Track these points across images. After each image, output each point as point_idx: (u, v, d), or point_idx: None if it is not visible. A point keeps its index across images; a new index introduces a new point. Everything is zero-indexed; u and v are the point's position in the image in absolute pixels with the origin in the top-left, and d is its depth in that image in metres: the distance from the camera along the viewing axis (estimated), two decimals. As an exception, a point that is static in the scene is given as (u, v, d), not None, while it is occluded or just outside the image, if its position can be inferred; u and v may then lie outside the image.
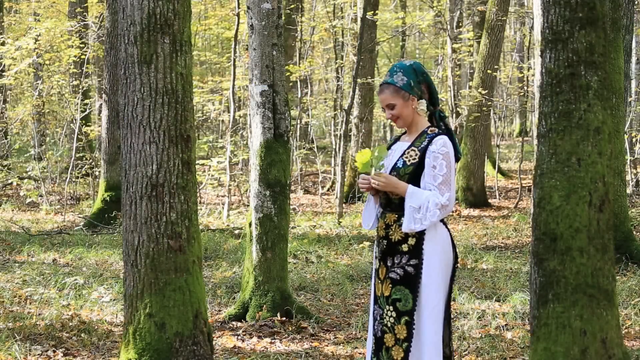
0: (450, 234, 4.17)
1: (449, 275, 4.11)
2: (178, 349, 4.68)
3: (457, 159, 4.13)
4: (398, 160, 4.11)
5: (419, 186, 4.05)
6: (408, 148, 4.12)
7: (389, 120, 4.36)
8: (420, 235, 4.04)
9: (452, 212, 13.62)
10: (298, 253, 9.67)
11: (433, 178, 4.02)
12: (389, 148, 4.25)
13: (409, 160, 4.07)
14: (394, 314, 4.06)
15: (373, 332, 4.17)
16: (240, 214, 13.11)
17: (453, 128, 14.70)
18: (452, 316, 6.62)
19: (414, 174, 4.05)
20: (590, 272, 3.76)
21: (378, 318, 4.14)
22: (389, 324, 4.08)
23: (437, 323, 4.05)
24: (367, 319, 6.62)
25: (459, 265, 4.25)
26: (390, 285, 4.08)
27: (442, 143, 4.05)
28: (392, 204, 4.11)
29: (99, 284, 7.71)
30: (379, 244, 4.17)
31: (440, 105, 4.30)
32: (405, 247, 4.06)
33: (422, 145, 4.08)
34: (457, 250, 4.26)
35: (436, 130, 4.15)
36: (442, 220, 4.08)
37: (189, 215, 4.77)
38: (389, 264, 4.10)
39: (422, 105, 4.17)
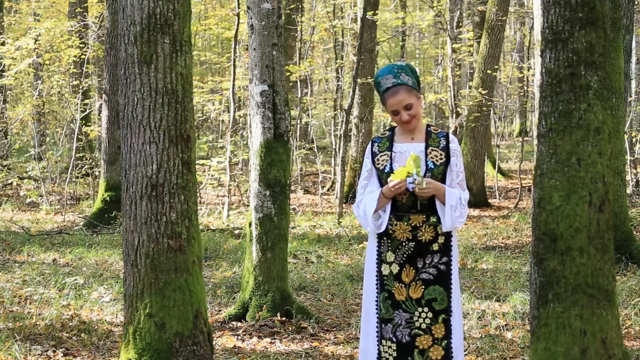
0: None
1: None
2: (178, 349, 4.68)
3: None
4: (427, 161, 4.11)
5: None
6: (427, 149, 4.14)
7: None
8: (448, 233, 4.10)
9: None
10: (298, 253, 9.66)
11: (456, 175, 4.13)
12: (384, 150, 4.21)
13: (437, 161, 4.11)
14: (429, 315, 4.05)
15: (395, 338, 4.08)
16: (240, 214, 13.11)
17: (453, 128, 14.78)
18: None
19: (444, 174, 4.12)
20: (590, 272, 3.76)
21: (403, 323, 4.07)
22: (423, 326, 4.06)
23: (461, 316, 4.15)
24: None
25: (458, 265, 4.28)
26: (423, 287, 4.07)
27: (457, 141, 4.20)
28: (421, 205, 4.09)
29: (99, 284, 7.71)
30: (400, 247, 4.10)
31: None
32: (436, 247, 4.08)
33: (441, 145, 4.14)
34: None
35: (439, 129, 4.22)
36: None
37: (189, 215, 4.77)
38: (419, 265, 4.08)
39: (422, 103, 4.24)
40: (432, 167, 4.09)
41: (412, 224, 4.08)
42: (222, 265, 8.98)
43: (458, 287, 4.13)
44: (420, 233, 4.08)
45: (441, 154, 4.11)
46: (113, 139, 12.21)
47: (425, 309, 4.05)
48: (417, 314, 4.06)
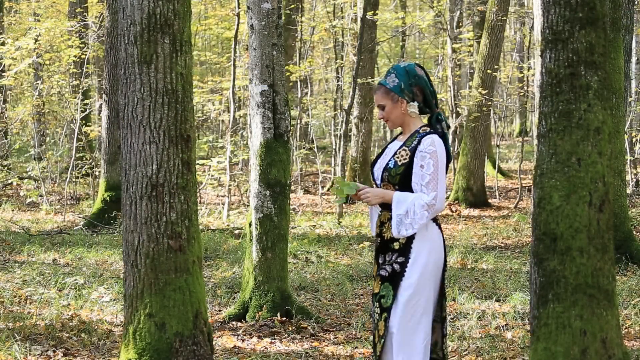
0: (442, 233, 4.18)
1: (438, 275, 4.12)
2: (178, 349, 4.68)
3: (448, 160, 4.11)
4: (390, 160, 4.14)
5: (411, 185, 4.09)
6: (399, 148, 4.15)
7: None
8: (411, 235, 4.08)
9: (452, 212, 13.62)
10: (298, 253, 9.66)
11: (421, 178, 4.05)
12: (384, 146, 4.34)
13: (400, 160, 4.10)
14: (378, 311, 4.13)
15: (373, 327, 4.25)
16: (240, 214, 13.11)
17: (453, 128, 14.78)
18: (451, 316, 6.64)
19: (405, 174, 4.08)
20: (590, 272, 3.76)
21: (374, 314, 4.21)
22: (376, 321, 4.14)
23: (412, 321, 4.02)
24: (367, 319, 6.64)
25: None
26: (380, 283, 4.14)
27: (429, 142, 4.05)
28: (386, 203, 4.17)
29: (99, 284, 7.71)
30: (375, 242, 4.27)
31: (440, 108, 4.30)
32: (396, 245, 4.11)
33: (412, 145, 4.11)
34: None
35: (428, 129, 4.15)
36: (434, 219, 4.10)
37: (189, 215, 4.77)
38: (380, 261, 4.17)
39: (413, 108, 4.16)
40: (391, 166, 4.11)
41: (381, 220, 4.21)
42: (222, 265, 8.98)
43: (411, 290, 4.02)
44: (384, 230, 4.17)
45: (407, 154, 4.09)
46: (113, 139, 12.21)
47: (377, 305, 4.13)
48: (375, 307, 4.17)
